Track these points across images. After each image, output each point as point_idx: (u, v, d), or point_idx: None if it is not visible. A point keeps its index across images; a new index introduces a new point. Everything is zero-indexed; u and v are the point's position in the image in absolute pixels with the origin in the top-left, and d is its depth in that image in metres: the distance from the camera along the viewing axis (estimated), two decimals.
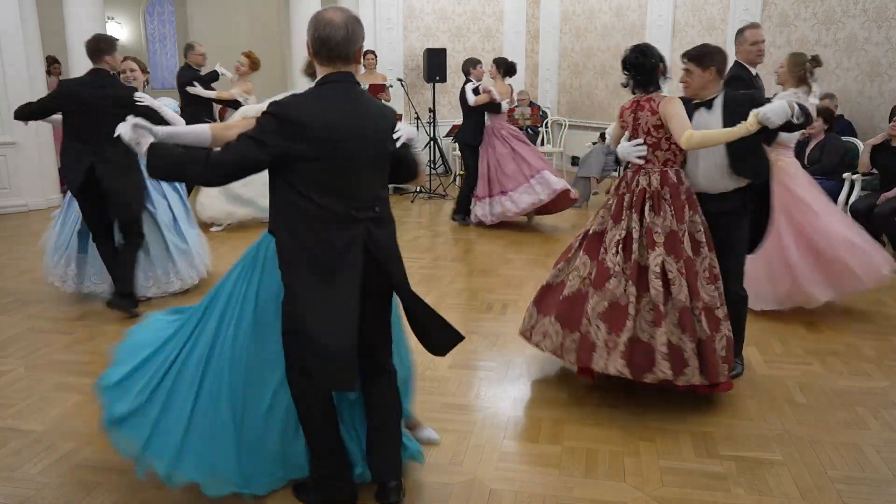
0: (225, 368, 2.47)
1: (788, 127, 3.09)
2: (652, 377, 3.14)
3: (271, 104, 2.21)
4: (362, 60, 2.46)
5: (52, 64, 9.20)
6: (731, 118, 3.16)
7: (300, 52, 8.89)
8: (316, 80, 2.33)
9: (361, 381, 2.53)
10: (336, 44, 2.22)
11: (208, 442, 2.46)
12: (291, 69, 9.74)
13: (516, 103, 7.70)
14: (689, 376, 3.13)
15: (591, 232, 3.47)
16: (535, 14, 10.77)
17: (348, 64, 2.28)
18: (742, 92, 3.47)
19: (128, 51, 9.84)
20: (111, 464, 2.87)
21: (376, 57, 8.89)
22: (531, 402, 3.44)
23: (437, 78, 9.59)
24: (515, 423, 3.21)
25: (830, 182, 6.09)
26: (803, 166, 6.12)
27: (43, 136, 7.74)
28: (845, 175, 6.05)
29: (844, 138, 6.33)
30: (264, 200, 2.87)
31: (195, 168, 2.21)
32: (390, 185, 2.58)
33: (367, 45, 7.23)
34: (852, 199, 5.98)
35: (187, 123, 4.54)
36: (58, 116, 4.58)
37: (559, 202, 6.99)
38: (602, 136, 8.47)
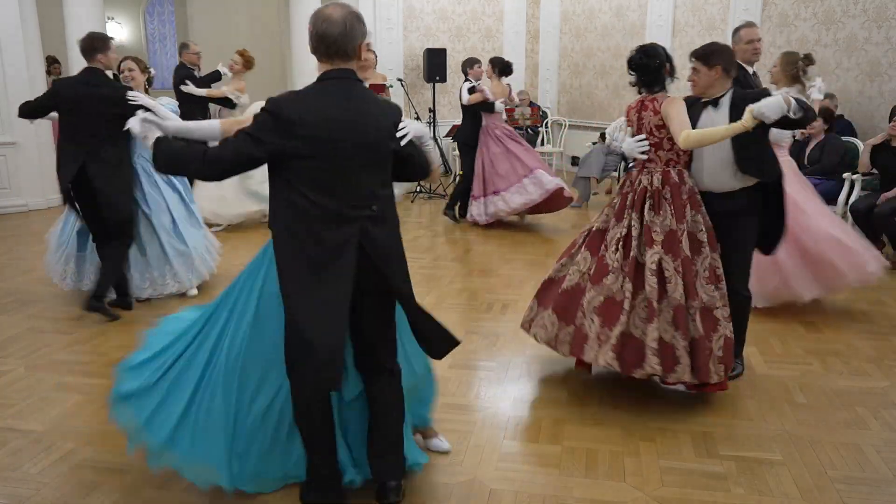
0: (224, 361, 2.49)
1: (786, 122, 3.08)
2: (641, 372, 3.16)
3: (268, 101, 2.23)
4: (363, 56, 2.39)
5: (52, 64, 9.21)
6: (737, 116, 3.15)
7: (300, 52, 8.91)
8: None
9: (363, 379, 2.53)
10: (333, 40, 2.22)
11: (202, 432, 2.48)
12: (291, 69, 9.74)
13: (517, 102, 7.70)
14: (679, 374, 3.15)
15: (594, 229, 3.52)
16: (535, 14, 10.78)
17: (347, 61, 2.27)
18: (750, 90, 3.47)
19: (128, 51, 9.88)
20: (111, 464, 2.87)
21: (376, 57, 8.89)
22: (531, 402, 3.44)
23: (437, 78, 9.60)
24: (515, 423, 3.21)
25: (830, 182, 6.10)
26: (803, 166, 6.15)
27: (43, 136, 7.74)
28: (845, 175, 6.05)
29: (844, 138, 6.33)
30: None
31: (193, 163, 2.25)
32: (405, 184, 2.62)
33: None
34: (852, 199, 5.98)
35: None
36: (56, 114, 4.57)
37: (554, 202, 6.97)
38: (602, 136, 8.46)
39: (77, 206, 4.46)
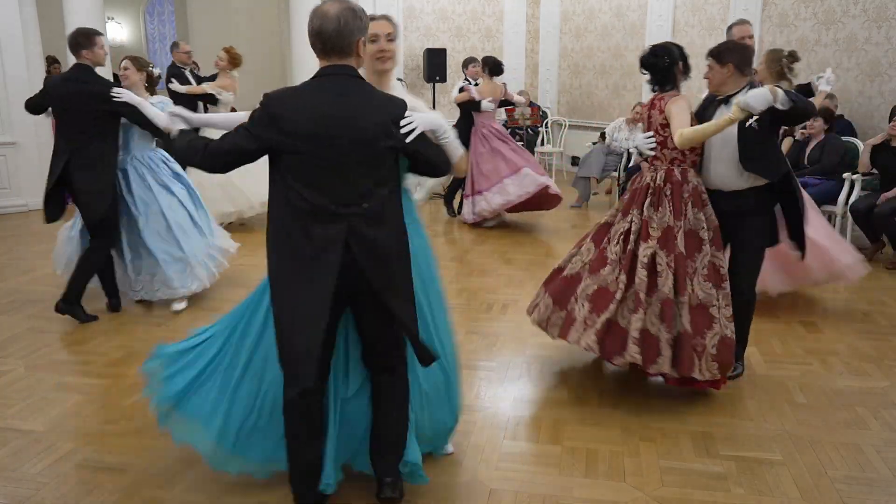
0: (252, 339, 2.57)
1: (786, 116, 3.10)
2: (621, 360, 3.24)
3: (263, 96, 2.25)
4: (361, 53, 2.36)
5: (52, 64, 9.20)
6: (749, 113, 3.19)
7: (300, 52, 8.91)
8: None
9: (368, 379, 2.52)
10: (329, 36, 2.21)
11: (205, 391, 2.58)
12: (291, 69, 9.74)
13: (521, 101, 7.69)
14: (659, 365, 3.20)
15: (602, 222, 3.62)
16: (535, 14, 10.78)
17: (344, 57, 2.25)
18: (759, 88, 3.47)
19: (128, 50, 9.88)
20: (111, 464, 2.87)
21: None
22: (531, 402, 3.44)
23: (437, 78, 9.60)
24: (515, 423, 3.21)
25: (830, 182, 6.10)
26: (803, 166, 6.16)
27: (43, 136, 7.74)
28: (845, 175, 6.05)
29: (844, 138, 6.32)
30: None
31: (197, 155, 2.30)
32: (430, 185, 2.62)
33: None
34: (852, 199, 5.98)
35: None
36: None
37: (541, 201, 6.94)
38: (602, 136, 8.47)
39: (54, 203, 4.40)
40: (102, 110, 4.23)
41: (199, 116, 2.54)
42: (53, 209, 4.42)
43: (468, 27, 10.46)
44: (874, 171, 5.86)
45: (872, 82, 6.78)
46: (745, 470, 2.83)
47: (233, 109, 7.51)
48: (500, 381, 3.65)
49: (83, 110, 4.25)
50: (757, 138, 3.23)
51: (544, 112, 10.42)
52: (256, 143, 2.22)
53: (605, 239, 3.50)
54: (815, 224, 4.47)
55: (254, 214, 6.74)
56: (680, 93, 3.43)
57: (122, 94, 4.23)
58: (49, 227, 5.12)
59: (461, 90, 7.01)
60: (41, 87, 4.88)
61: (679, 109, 3.28)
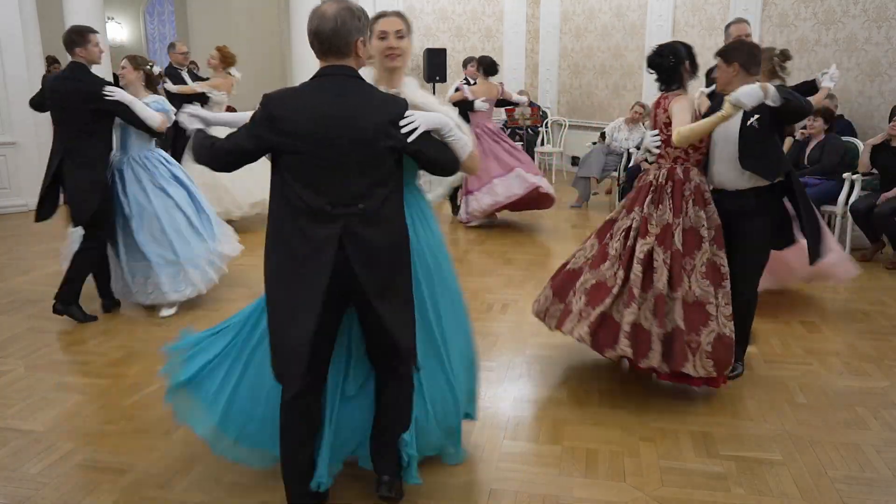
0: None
1: (784, 114, 3.12)
2: (612, 353, 3.28)
3: (262, 97, 2.26)
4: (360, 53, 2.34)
5: (52, 64, 9.21)
6: (751, 112, 3.21)
7: (300, 52, 8.91)
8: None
9: (372, 377, 2.52)
10: (326, 37, 2.21)
11: (212, 372, 2.61)
12: (291, 69, 9.74)
13: (522, 101, 7.69)
14: (650, 360, 3.23)
15: (608, 219, 3.68)
16: (535, 14, 10.78)
17: (342, 57, 2.24)
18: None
19: (128, 50, 9.88)
20: (111, 464, 2.87)
21: None
22: (531, 402, 3.44)
23: (437, 78, 9.61)
24: (515, 423, 3.21)
25: (830, 182, 6.09)
26: (804, 166, 6.16)
27: (43, 136, 7.74)
28: (845, 175, 6.05)
29: (844, 138, 6.32)
30: None
31: (205, 153, 2.34)
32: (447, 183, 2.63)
33: None
34: (852, 199, 5.97)
35: None
36: None
37: (534, 201, 6.92)
38: (602, 136, 8.47)
39: (49, 202, 4.39)
40: (95, 109, 4.21)
41: (215, 116, 2.55)
42: (48, 208, 4.41)
43: (468, 27, 10.46)
44: (874, 171, 5.86)
45: (872, 82, 6.78)
46: (745, 470, 2.83)
47: (230, 109, 7.50)
48: (500, 381, 3.65)
49: (76, 109, 4.23)
50: (757, 137, 3.25)
51: (544, 112, 10.42)
52: (256, 143, 2.24)
53: (608, 235, 3.56)
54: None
55: (241, 214, 6.68)
56: (686, 92, 3.46)
57: (115, 93, 4.19)
58: (49, 228, 5.13)
59: (457, 90, 7.03)
60: (39, 87, 4.86)
61: (680, 108, 3.32)
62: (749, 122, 3.24)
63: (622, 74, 9.78)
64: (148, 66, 4.60)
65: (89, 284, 4.58)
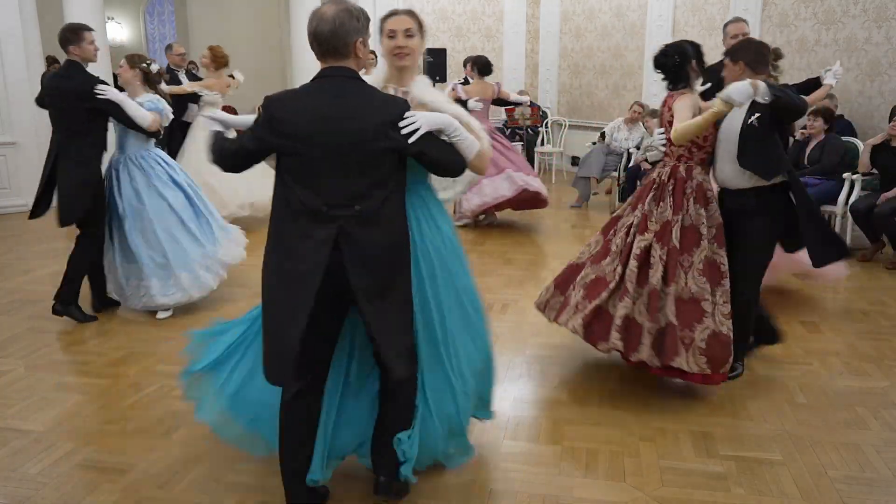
0: None
1: (779, 111, 3.14)
2: (604, 346, 3.35)
3: (264, 98, 2.27)
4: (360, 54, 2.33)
5: (52, 64, 9.19)
6: (752, 110, 3.25)
7: (300, 52, 8.91)
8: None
9: (376, 376, 2.52)
10: (325, 38, 2.20)
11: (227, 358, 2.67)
12: (291, 69, 9.75)
13: (523, 101, 7.67)
14: (640, 353, 3.27)
15: (614, 215, 3.73)
16: (535, 14, 10.78)
17: (341, 58, 2.24)
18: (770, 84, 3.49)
19: (128, 50, 9.86)
20: (111, 464, 2.87)
21: (377, 57, 8.91)
22: (531, 402, 3.44)
23: (437, 78, 9.59)
24: (515, 423, 3.21)
25: (830, 182, 6.10)
26: (804, 166, 6.16)
27: (42, 137, 7.72)
28: (845, 175, 6.05)
29: (844, 138, 6.33)
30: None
31: (215, 155, 2.37)
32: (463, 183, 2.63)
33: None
34: (852, 199, 5.98)
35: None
36: None
37: (524, 202, 6.90)
38: (602, 136, 8.47)
39: (46, 201, 4.38)
40: (89, 108, 4.19)
41: (234, 118, 2.54)
42: (42, 206, 4.41)
43: (468, 27, 10.46)
44: (874, 171, 5.86)
45: (872, 82, 6.78)
46: (745, 470, 2.83)
47: (229, 109, 7.50)
48: (500, 381, 3.62)
49: (70, 107, 4.22)
50: (757, 136, 3.26)
51: (544, 112, 10.42)
52: (258, 145, 2.26)
53: (612, 231, 3.61)
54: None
55: (227, 214, 6.62)
56: (692, 91, 3.49)
57: (106, 92, 4.16)
58: (49, 228, 5.13)
59: (452, 89, 7.02)
60: (39, 87, 4.85)
61: (681, 106, 3.36)
62: (750, 121, 3.25)
63: (622, 74, 9.78)
64: (144, 65, 4.53)
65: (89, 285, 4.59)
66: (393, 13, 2.54)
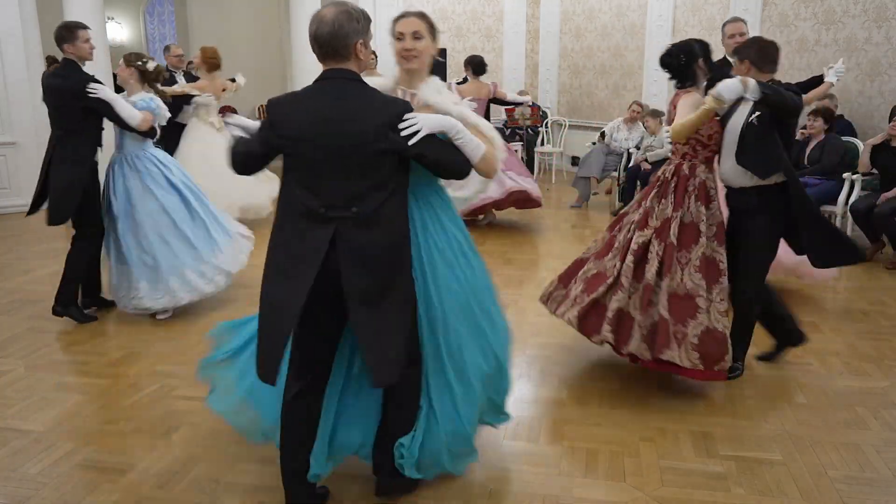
0: None
1: (775, 109, 3.17)
2: (597, 338, 3.40)
3: (268, 101, 2.31)
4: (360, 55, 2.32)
5: (52, 64, 9.19)
6: (754, 109, 3.29)
7: (300, 52, 8.91)
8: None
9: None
10: (325, 41, 2.21)
11: (248, 350, 2.70)
12: (292, 69, 9.74)
13: (524, 100, 7.66)
14: (631, 346, 3.31)
15: (623, 212, 3.76)
16: (535, 14, 10.78)
17: (341, 60, 2.24)
18: (772, 83, 3.49)
19: (128, 51, 9.85)
20: (111, 464, 2.87)
21: (377, 57, 8.90)
22: (531, 402, 3.44)
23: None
24: (515, 423, 3.20)
25: (830, 182, 6.10)
26: (804, 166, 6.16)
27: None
28: (845, 175, 6.06)
29: (844, 138, 6.33)
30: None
31: (228, 157, 2.39)
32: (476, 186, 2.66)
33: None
34: (852, 199, 5.98)
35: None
36: None
37: (515, 202, 6.87)
38: (602, 135, 8.47)
39: (40, 200, 4.38)
40: (81, 106, 4.18)
41: (254, 123, 2.56)
42: (39, 204, 4.41)
43: (468, 27, 10.46)
44: (874, 171, 5.86)
45: (872, 82, 6.78)
46: (745, 470, 2.83)
47: (230, 109, 7.47)
48: None
49: (64, 105, 4.22)
50: (756, 135, 3.29)
51: (544, 112, 10.42)
52: (262, 147, 2.31)
53: (618, 227, 3.65)
54: None
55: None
56: (698, 89, 3.51)
57: (98, 91, 4.13)
58: (49, 228, 5.12)
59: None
60: (39, 87, 4.84)
61: (683, 104, 3.40)
62: (750, 119, 3.28)
63: (622, 74, 9.78)
64: (140, 63, 4.45)
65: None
66: (402, 15, 2.52)
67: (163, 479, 2.75)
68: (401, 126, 2.20)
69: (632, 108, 8.17)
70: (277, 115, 2.26)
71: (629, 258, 3.42)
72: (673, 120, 3.51)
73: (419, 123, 2.21)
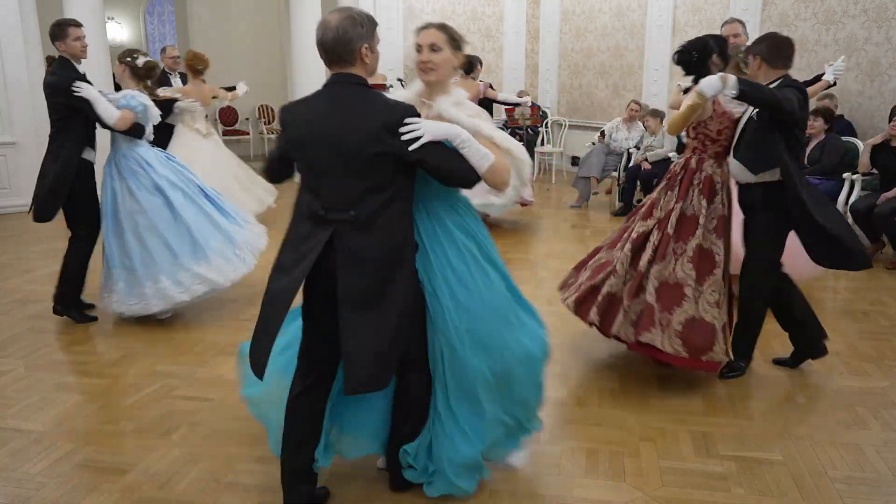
0: None
1: (769, 109, 3.19)
2: (588, 320, 3.54)
3: (280, 107, 2.43)
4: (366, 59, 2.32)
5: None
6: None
7: (300, 53, 8.92)
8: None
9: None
10: (329, 46, 2.24)
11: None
12: (291, 69, 9.74)
13: (525, 101, 7.64)
14: (615, 329, 3.42)
15: (639, 205, 3.83)
16: (535, 14, 10.78)
17: (347, 65, 2.25)
18: (784, 80, 3.49)
19: None
20: (111, 464, 2.87)
21: (377, 58, 8.90)
22: None
23: None
24: None
25: (830, 182, 6.09)
26: (804, 166, 6.15)
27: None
28: (845, 175, 6.05)
29: (844, 138, 6.32)
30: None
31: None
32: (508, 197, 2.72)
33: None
34: (852, 199, 5.98)
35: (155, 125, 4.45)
36: None
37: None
38: (602, 135, 8.47)
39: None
40: (65, 104, 4.18)
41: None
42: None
43: (468, 27, 10.45)
44: (874, 171, 5.86)
45: (872, 82, 6.78)
46: (745, 470, 2.83)
47: (228, 109, 7.42)
48: None
49: (53, 103, 4.24)
50: (755, 130, 3.33)
51: (544, 112, 10.42)
52: (279, 151, 2.43)
53: (632, 219, 3.75)
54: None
55: None
56: None
57: (81, 89, 4.10)
58: (49, 228, 5.12)
59: None
60: (39, 87, 4.83)
61: (685, 100, 3.44)
62: (752, 115, 3.33)
63: (622, 74, 9.78)
64: (129, 59, 4.36)
65: (91, 285, 4.58)
66: (423, 27, 2.48)
67: (163, 479, 2.75)
68: (402, 130, 2.18)
69: (630, 108, 8.17)
70: (286, 119, 2.33)
71: (627, 246, 3.51)
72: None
73: (421, 129, 2.19)
